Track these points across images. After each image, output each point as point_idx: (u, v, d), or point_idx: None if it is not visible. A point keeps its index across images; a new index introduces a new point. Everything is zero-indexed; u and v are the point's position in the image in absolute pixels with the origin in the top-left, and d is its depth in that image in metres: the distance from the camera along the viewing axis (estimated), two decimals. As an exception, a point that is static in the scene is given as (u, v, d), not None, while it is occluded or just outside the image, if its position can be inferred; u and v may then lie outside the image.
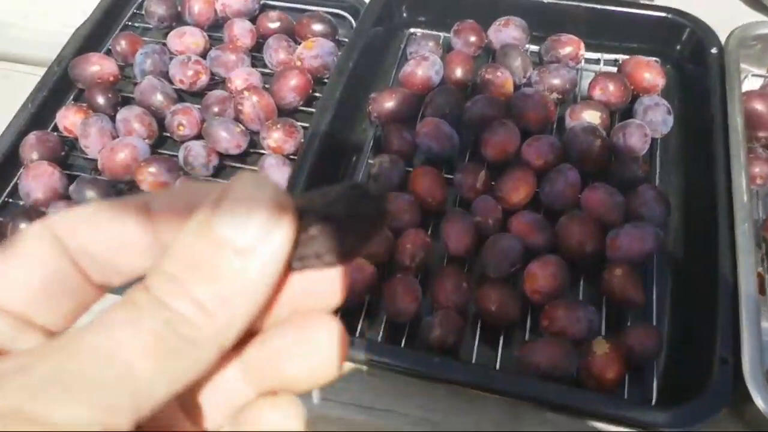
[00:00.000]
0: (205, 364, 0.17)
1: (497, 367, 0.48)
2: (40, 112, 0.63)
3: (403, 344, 0.50)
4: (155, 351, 0.16)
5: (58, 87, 0.66)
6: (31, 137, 0.60)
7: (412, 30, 0.70)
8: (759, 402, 0.42)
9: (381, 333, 0.51)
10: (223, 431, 0.19)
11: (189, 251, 0.17)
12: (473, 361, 0.49)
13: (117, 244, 0.19)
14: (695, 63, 0.63)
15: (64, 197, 0.58)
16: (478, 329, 0.50)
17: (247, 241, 0.17)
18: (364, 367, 0.50)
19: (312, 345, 0.19)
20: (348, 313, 0.52)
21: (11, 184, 0.60)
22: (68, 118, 0.63)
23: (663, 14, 0.64)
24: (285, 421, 0.19)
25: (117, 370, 0.15)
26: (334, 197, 0.18)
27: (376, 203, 0.18)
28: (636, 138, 0.56)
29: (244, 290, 0.17)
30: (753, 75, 0.63)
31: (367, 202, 0.18)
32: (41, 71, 0.67)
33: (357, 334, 0.51)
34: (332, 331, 0.19)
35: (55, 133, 0.63)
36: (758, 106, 0.58)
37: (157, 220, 0.19)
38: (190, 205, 0.18)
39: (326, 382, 0.19)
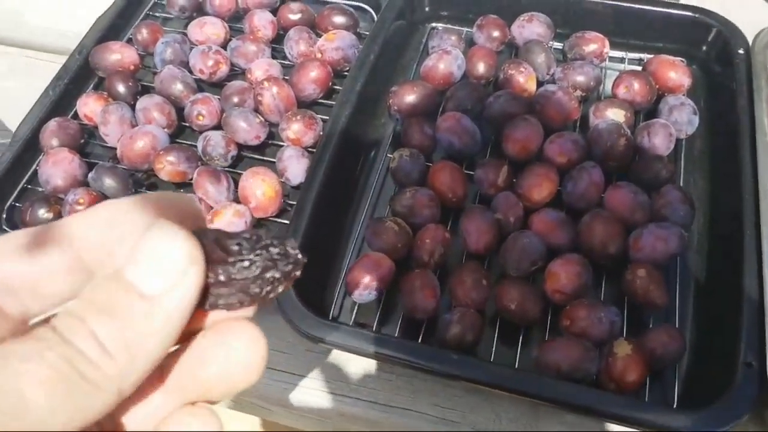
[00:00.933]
0: (104, 405, 0.17)
1: (516, 366, 0.48)
2: (60, 99, 0.63)
3: (419, 341, 0.49)
4: (51, 385, 0.16)
5: (79, 75, 0.66)
6: (52, 124, 0.60)
7: (433, 24, 0.69)
8: (784, 408, 0.41)
9: (397, 330, 0.50)
10: None
11: (98, 294, 0.17)
12: (491, 360, 0.48)
13: (37, 271, 0.19)
14: (722, 64, 0.62)
15: (83, 184, 0.58)
16: (497, 328, 0.50)
17: (153, 289, 0.17)
18: (380, 364, 0.49)
19: (229, 348, 0.19)
20: (364, 309, 0.52)
21: (30, 171, 0.60)
22: (88, 106, 0.63)
23: (690, 14, 0.63)
24: (204, 429, 0.19)
25: (10, 401, 0.15)
26: (251, 246, 0.19)
27: (291, 264, 0.19)
28: (661, 137, 0.55)
29: (146, 335, 0.17)
30: (780, 77, 0.62)
31: (282, 263, 0.19)
32: (63, 59, 0.67)
33: (373, 329, 0.50)
34: (250, 335, 0.19)
35: (75, 121, 0.62)
36: (786, 108, 0.57)
37: (79, 242, 0.19)
38: (112, 227, 0.19)
39: (244, 387, 0.20)
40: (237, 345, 0.19)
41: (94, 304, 0.17)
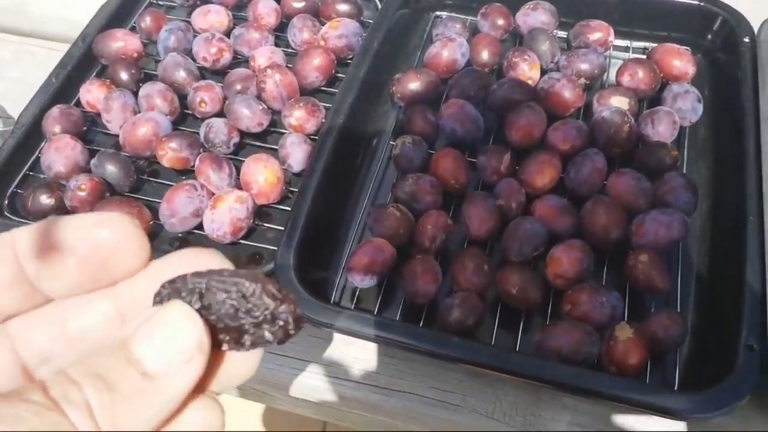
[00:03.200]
0: None
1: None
2: (63, 86, 0.63)
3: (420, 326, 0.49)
4: None
5: (82, 62, 0.65)
6: (55, 111, 0.60)
7: (437, 13, 0.69)
8: (786, 393, 0.41)
9: (398, 314, 0.50)
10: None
11: (99, 361, 0.17)
12: (492, 344, 0.48)
13: None
14: (727, 52, 0.62)
15: (85, 171, 0.58)
16: (498, 313, 0.49)
17: (158, 369, 0.17)
18: (381, 348, 0.49)
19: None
20: (365, 294, 0.52)
21: (33, 157, 0.60)
22: (91, 93, 0.63)
23: (695, 2, 0.63)
24: (207, 421, 0.19)
25: None
26: (255, 321, 0.18)
27: (280, 330, 0.19)
28: (665, 125, 0.55)
29: (139, 413, 0.17)
30: (786, 66, 0.62)
31: (270, 326, 0.18)
32: (64, 47, 0.67)
33: (375, 314, 0.50)
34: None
35: (78, 108, 0.62)
36: (791, 96, 0.57)
37: (23, 255, 0.19)
38: (55, 240, 0.18)
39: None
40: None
41: (94, 371, 0.17)
